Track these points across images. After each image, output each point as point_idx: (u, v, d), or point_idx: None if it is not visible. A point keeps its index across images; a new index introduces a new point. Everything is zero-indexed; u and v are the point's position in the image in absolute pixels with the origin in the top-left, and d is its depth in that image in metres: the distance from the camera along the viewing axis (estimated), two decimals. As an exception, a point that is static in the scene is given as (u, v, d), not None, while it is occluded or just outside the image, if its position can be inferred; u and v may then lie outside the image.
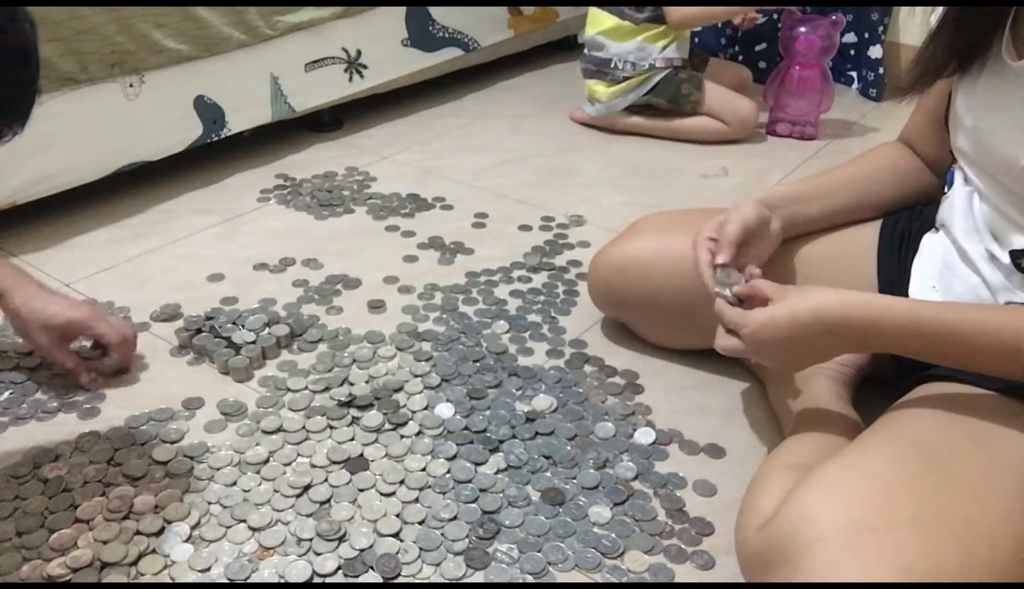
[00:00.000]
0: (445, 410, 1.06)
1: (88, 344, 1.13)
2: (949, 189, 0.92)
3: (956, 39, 0.84)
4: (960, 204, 0.88)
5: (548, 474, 0.97)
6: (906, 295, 0.95)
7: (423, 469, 0.97)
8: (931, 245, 0.94)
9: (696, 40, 2.60)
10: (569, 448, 1.00)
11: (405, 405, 1.07)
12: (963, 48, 0.83)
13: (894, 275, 0.97)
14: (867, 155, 1.07)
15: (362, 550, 0.86)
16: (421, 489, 0.94)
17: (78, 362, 1.09)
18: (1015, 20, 0.80)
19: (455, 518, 0.90)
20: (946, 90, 0.92)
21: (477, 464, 0.97)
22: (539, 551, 0.87)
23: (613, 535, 0.89)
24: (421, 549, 0.86)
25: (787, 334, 0.81)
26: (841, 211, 1.03)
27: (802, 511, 0.68)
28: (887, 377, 0.97)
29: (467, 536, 0.88)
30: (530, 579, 0.84)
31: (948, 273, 0.90)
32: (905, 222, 1.01)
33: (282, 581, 0.83)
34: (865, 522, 0.65)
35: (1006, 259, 0.82)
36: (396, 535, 0.88)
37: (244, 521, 0.89)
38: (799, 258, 1.04)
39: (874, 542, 0.64)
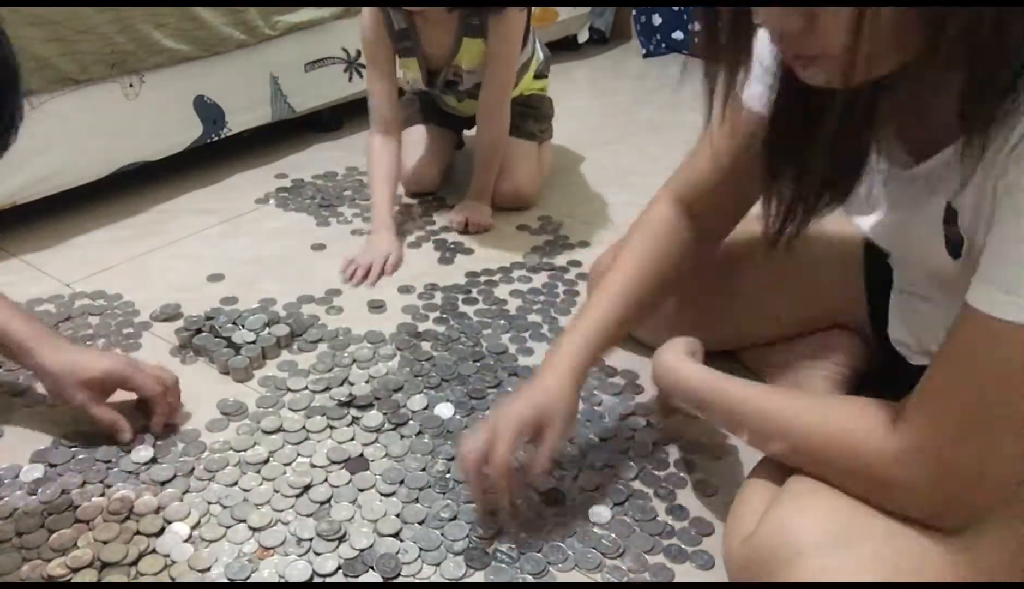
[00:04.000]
0: (445, 410, 1.06)
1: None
2: None
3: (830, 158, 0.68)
4: None
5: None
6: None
7: (423, 469, 0.97)
8: None
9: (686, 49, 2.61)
10: (569, 448, 1.00)
11: (405, 405, 1.07)
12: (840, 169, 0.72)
13: (881, 287, 0.97)
14: (650, 252, 0.94)
15: (362, 550, 0.86)
16: (421, 489, 0.94)
17: (118, 417, 0.99)
18: (901, 126, 0.72)
19: (455, 518, 0.90)
20: (746, 142, 0.81)
21: (477, 464, 0.97)
22: (539, 551, 0.87)
23: (613, 535, 0.89)
24: (421, 549, 0.86)
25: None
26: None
27: (781, 525, 0.67)
28: (886, 377, 0.96)
29: (467, 536, 0.88)
30: (530, 579, 0.84)
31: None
32: None
33: (282, 581, 0.83)
34: (844, 534, 0.64)
35: None
36: (396, 535, 0.88)
37: (244, 521, 0.89)
38: (774, 274, 1.03)
39: (855, 554, 0.63)
